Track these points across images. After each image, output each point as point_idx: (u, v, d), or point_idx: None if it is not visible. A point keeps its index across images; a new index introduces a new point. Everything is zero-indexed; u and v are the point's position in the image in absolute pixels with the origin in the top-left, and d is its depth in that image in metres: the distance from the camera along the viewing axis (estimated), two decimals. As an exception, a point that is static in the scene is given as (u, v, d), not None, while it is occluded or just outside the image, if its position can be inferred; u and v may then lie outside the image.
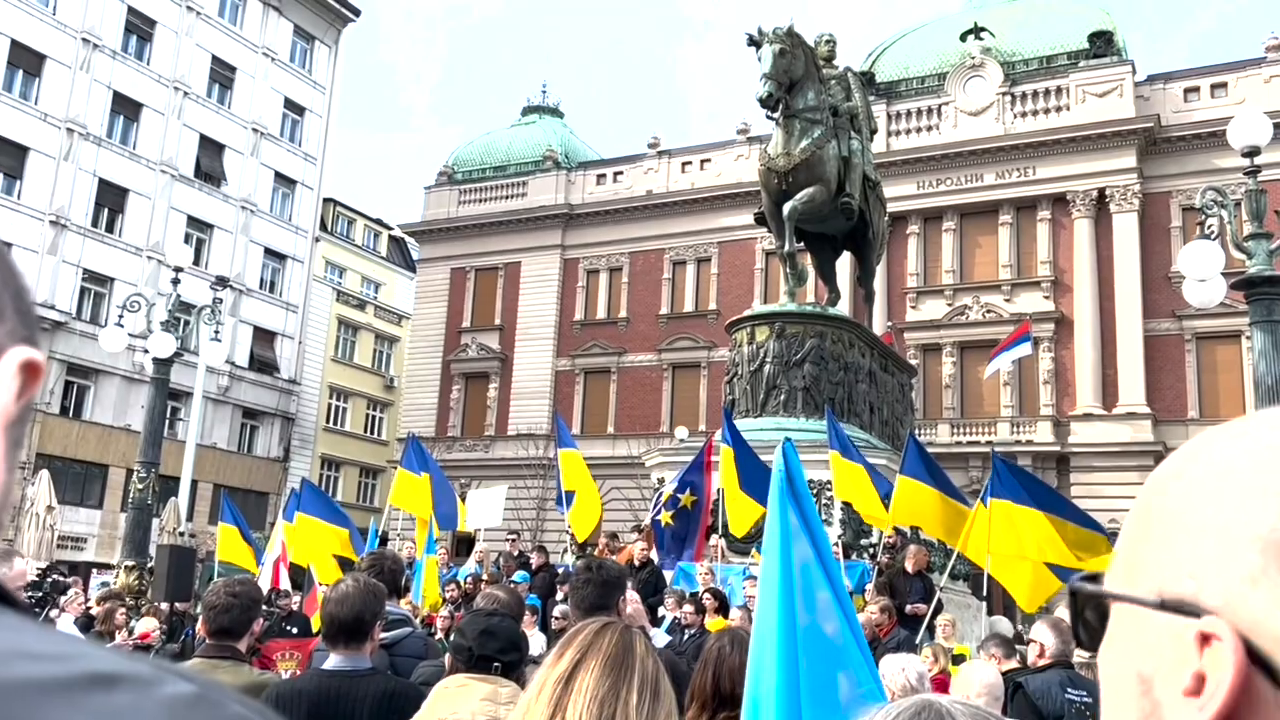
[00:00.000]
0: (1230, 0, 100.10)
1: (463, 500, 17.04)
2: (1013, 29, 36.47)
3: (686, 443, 23.50)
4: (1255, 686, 0.51)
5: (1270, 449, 0.56)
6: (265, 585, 12.76)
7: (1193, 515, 0.56)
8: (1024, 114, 34.69)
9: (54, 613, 9.57)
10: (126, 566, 14.41)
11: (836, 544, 12.51)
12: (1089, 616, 0.65)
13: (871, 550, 13.52)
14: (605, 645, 2.03)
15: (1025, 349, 27.87)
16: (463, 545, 26.40)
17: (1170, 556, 0.57)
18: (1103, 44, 34.46)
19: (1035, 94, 34.73)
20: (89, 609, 11.64)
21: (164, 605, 12.36)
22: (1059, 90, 34.37)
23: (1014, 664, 6.75)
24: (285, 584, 13.58)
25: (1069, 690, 5.28)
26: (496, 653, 2.96)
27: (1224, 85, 32.85)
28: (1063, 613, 6.86)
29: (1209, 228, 9.13)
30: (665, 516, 12.92)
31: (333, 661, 3.59)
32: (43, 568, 13.82)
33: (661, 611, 10.80)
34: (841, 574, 2.46)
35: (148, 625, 10.91)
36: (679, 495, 12.90)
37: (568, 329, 41.35)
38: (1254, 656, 0.52)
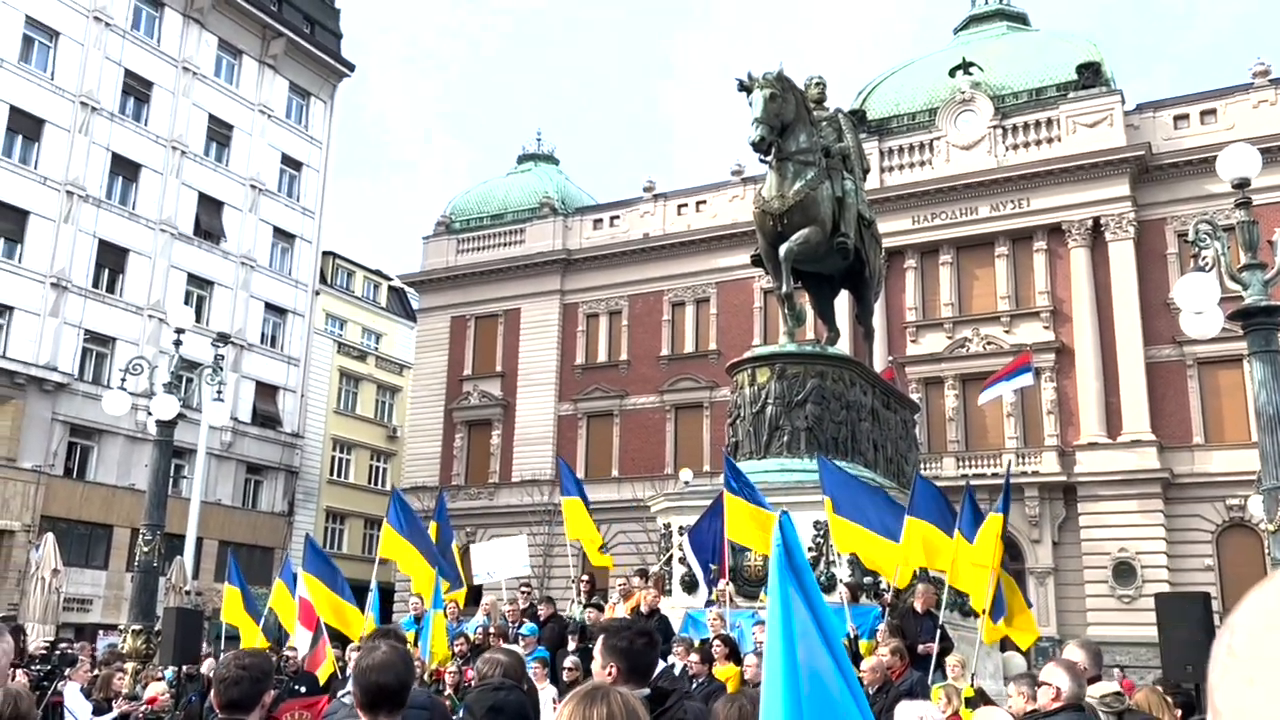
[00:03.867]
0: (1215, 28, 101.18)
1: (463, 553, 16.99)
2: (1001, 63, 36.83)
3: (692, 485, 23.47)
4: None
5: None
6: (303, 649, 12.70)
7: None
8: (1016, 146, 34.95)
9: (62, 684, 9.52)
10: (134, 630, 14.32)
11: (844, 587, 12.45)
12: None
13: (878, 590, 13.44)
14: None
15: (1026, 379, 27.86)
16: (471, 595, 26.24)
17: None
18: (1091, 75, 34.76)
19: (1026, 126, 35.01)
20: (96, 675, 11.57)
21: (169, 670, 12.28)
22: (1049, 122, 34.65)
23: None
24: (298, 641, 13.49)
25: (1083, 735, 5.21)
26: None
27: (1213, 112, 33.10)
28: (1072, 652, 6.81)
29: (1203, 260, 9.19)
30: (719, 594, 12.88)
31: None
32: (50, 640, 13.72)
33: (671, 659, 10.71)
34: (843, 648, 2.47)
35: (156, 689, 10.86)
36: (710, 567, 12.92)
37: (569, 373, 41.39)
38: None
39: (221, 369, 18.03)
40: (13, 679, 8.14)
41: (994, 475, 31.32)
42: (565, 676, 10.73)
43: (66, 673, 9.99)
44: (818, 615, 2.35)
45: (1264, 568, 29.40)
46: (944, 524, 11.15)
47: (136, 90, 38.04)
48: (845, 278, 17.85)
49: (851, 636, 10.97)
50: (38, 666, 9.24)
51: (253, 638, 13.78)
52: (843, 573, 13.23)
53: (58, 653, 10.42)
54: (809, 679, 2.23)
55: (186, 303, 35.66)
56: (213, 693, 4.56)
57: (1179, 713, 8.03)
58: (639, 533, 33.60)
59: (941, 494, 12.07)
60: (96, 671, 11.80)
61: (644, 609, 12.41)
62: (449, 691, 10.94)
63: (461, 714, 3.15)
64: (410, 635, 13.95)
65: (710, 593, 13.00)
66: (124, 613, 27.09)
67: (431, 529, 15.37)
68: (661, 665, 8.30)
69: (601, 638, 4.02)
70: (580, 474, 37.83)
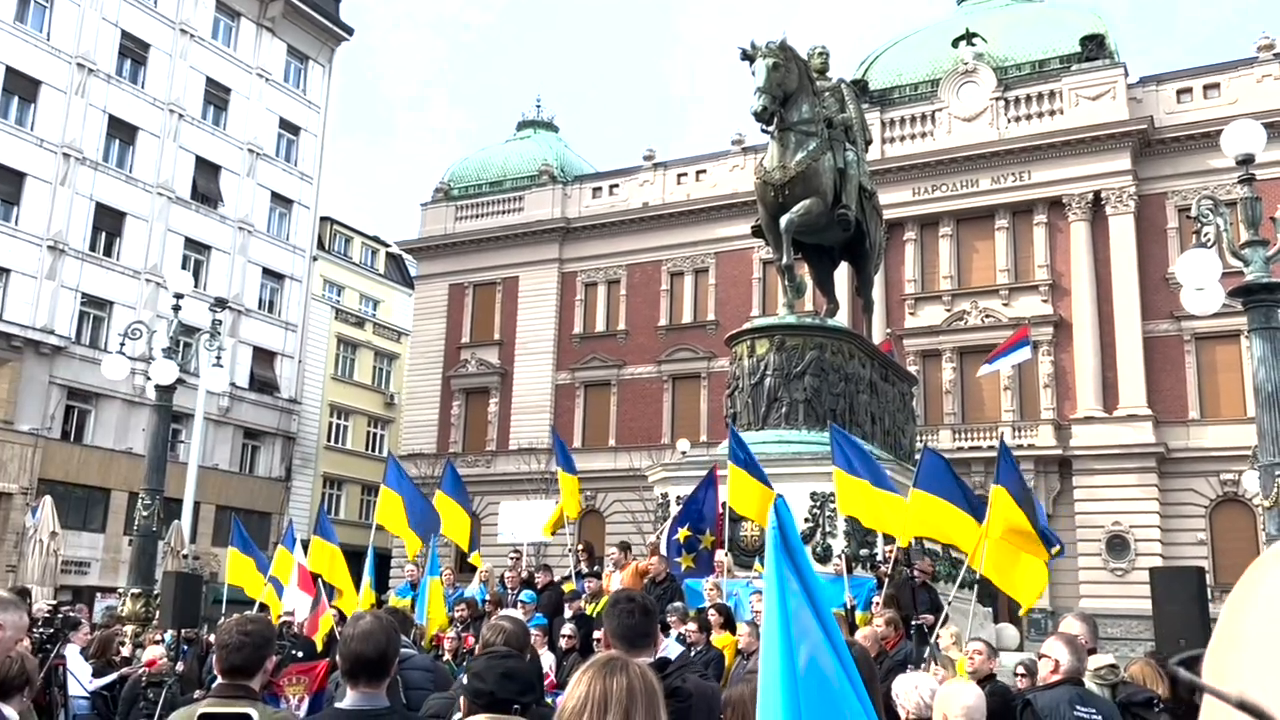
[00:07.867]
0: (1220, 2, 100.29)
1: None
2: (1004, 34, 36.59)
3: (689, 456, 23.52)
4: None
5: None
6: (301, 614, 12.72)
7: (1268, 638, 0.68)
8: (1018, 118, 34.78)
9: (64, 648, 9.60)
10: (133, 594, 14.38)
11: (839, 558, 12.50)
12: (1183, 693, 0.77)
13: (874, 562, 13.50)
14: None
15: (1024, 354, 27.91)
16: (460, 564, 26.35)
17: (1251, 669, 0.68)
18: (1094, 47, 34.56)
19: (1028, 98, 34.83)
20: (94, 638, 11.63)
21: (169, 633, 12.33)
22: (1052, 94, 34.47)
23: (995, 666, 7.16)
24: (293, 604, 13.50)
25: (1078, 708, 5.24)
26: (516, 694, 3.06)
27: (1216, 86, 32.94)
28: (1070, 625, 6.85)
29: (1205, 236, 9.16)
30: (686, 560, 12.83)
31: (351, 700, 3.59)
32: (54, 604, 13.79)
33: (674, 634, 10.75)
34: (837, 627, 2.48)
35: (154, 652, 10.93)
36: (698, 536, 12.80)
37: (567, 342, 41.37)
38: None
39: (219, 334, 18.00)
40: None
41: (990, 448, 31.44)
42: (562, 644, 10.81)
43: (69, 635, 10.06)
44: (812, 596, 2.38)
45: (1256, 542, 29.60)
46: (955, 499, 10.95)
47: (134, 52, 37.73)
48: (845, 249, 17.78)
49: (848, 607, 11.03)
50: (40, 629, 9.29)
51: (264, 596, 13.81)
52: (839, 545, 13.29)
53: (60, 616, 10.47)
54: (805, 658, 2.26)
55: (184, 267, 35.53)
56: (214, 658, 4.56)
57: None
58: (635, 502, 33.73)
59: (949, 466, 11.74)
60: (95, 634, 11.85)
61: (656, 577, 12.42)
62: (448, 658, 11.02)
63: (470, 682, 3.16)
64: (405, 602, 14.03)
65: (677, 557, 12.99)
66: (121, 575, 27.21)
67: (445, 501, 15.30)
68: (679, 649, 8.26)
69: (605, 611, 4.08)
70: (577, 443, 38.01)
